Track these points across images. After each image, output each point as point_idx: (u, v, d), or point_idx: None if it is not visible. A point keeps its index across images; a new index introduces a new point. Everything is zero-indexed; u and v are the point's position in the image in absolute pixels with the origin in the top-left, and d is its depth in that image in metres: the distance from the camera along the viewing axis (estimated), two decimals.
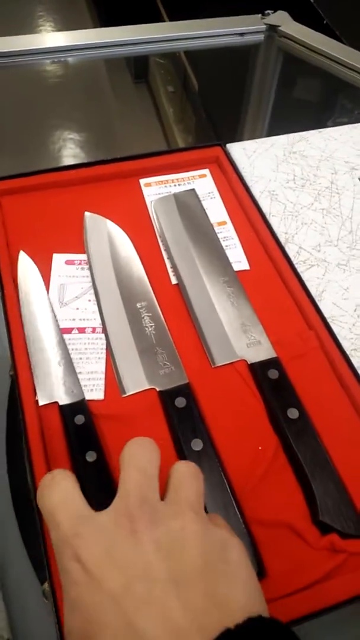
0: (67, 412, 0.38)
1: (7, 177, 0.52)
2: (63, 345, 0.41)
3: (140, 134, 0.68)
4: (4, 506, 0.38)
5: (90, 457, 0.35)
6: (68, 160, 0.62)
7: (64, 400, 0.38)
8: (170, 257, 0.48)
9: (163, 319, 0.43)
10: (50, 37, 0.82)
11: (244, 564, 0.25)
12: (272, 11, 0.85)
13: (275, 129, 0.82)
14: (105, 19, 1.15)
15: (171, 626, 0.22)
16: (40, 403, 0.38)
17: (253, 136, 0.60)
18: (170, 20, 1.15)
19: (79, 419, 0.37)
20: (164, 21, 1.15)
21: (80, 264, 0.47)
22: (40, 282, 0.45)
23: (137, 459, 0.28)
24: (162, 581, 0.23)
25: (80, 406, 0.38)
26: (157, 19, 1.16)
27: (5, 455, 0.41)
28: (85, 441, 0.36)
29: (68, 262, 0.47)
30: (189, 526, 0.25)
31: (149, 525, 0.25)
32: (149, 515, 0.25)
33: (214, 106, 0.84)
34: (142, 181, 0.54)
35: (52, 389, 0.39)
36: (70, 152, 0.62)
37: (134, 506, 0.25)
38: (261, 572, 0.31)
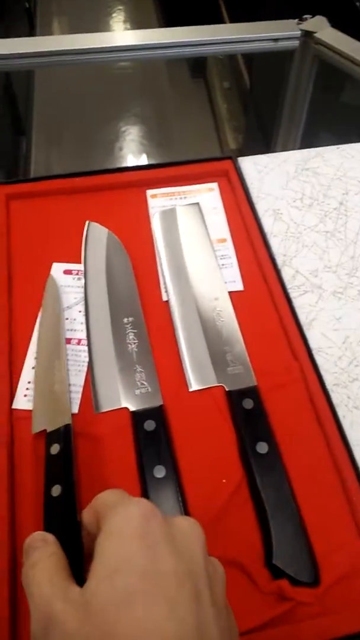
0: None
1: (16, 181, 0.53)
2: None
3: (194, 130, 0.69)
4: None
5: (56, 491, 0.31)
6: (125, 155, 0.63)
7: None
8: (164, 273, 0.47)
9: (147, 336, 0.43)
10: (117, 36, 0.83)
11: (224, 600, 0.24)
12: (311, 16, 0.83)
13: (303, 142, 0.79)
14: (168, 19, 1.15)
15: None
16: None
17: (283, 148, 0.58)
18: (231, 20, 1.14)
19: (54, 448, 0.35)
20: (224, 22, 1.14)
21: (77, 274, 0.48)
22: (61, 310, 0.45)
23: None
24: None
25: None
26: (218, 19, 1.15)
27: None
28: (57, 471, 0.33)
29: (66, 272, 0.48)
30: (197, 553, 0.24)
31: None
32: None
33: (247, 113, 0.82)
34: (149, 192, 0.54)
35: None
36: (127, 147, 0.63)
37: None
38: None
